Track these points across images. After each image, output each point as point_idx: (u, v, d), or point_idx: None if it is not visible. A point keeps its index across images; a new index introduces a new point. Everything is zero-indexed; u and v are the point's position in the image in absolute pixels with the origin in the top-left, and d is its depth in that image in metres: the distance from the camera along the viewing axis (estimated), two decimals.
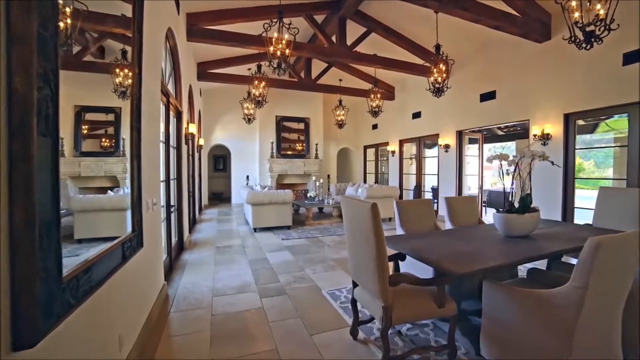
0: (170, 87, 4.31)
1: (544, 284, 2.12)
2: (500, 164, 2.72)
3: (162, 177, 3.51)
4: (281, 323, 2.48)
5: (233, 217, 7.86)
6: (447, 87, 5.38)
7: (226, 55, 7.35)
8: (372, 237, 1.73)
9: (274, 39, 4.12)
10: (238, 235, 5.77)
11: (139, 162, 1.95)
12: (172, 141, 4.48)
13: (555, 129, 5.21)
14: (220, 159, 12.91)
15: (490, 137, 10.26)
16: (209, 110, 9.90)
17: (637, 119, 4.37)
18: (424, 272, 2.43)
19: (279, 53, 4.20)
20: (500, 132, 10.10)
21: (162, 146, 3.52)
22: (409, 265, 2.52)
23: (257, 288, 3.22)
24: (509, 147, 13.39)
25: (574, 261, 2.88)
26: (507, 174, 2.72)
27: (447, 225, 3.53)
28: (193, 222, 6.65)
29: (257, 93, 6.49)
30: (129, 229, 1.88)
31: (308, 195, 7.85)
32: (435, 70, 5.33)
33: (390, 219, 7.50)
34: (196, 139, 7.27)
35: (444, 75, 5.33)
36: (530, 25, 5.03)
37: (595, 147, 6.66)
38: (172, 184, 4.35)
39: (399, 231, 3.14)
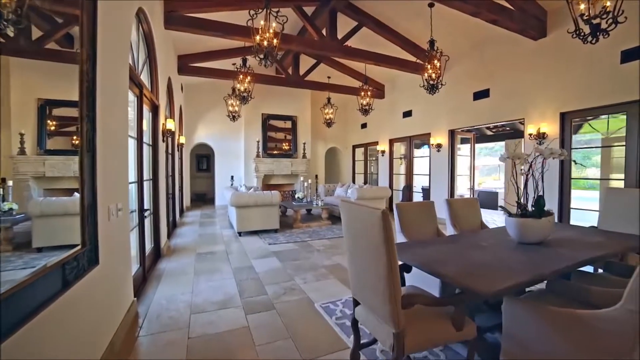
0: (145, 78, 3.89)
1: (571, 299, 1.88)
2: (513, 164, 2.48)
3: (133, 177, 3.10)
4: (270, 346, 2.15)
5: (217, 220, 7.43)
6: (441, 84, 5.17)
7: (209, 48, 6.93)
8: (381, 252, 1.42)
9: (260, 28, 3.78)
10: (221, 240, 5.37)
11: (92, 160, 1.58)
12: (148, 138, 4.06)
13: (551, 128, 5.09)
14: (204, 159, 12.40)
15: (479, 137, 10.21)
16: (191, 107, 9.40)
17: (637, 118, 4.27)
18: (429, 284, 2.16)
19: (265, 43, 3.86)
20: (489, 132, 10.07)
21: (132, 143, 3.12)
22: (412, 277, 2.24)
23: (242, 302, 2.87)
24: (493, 148, 13.48)
25: (589, 269, 2.69)
26: (521, 173, 2.48)
27: (449, 230, 3.28)
28: (173, 226, 6.20)
29: (242, 88, 6.11)
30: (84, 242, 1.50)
31: (296, 196, 7.52)
32: (429, 66, 5.12)
33: None
34: (176, 137, 6.81)
35: (439, 71, 5.13)
36: (527, 21, 4.89)
37: (592, 147, 6.60)
38: (147, 185, 3.93)
39: (400, 238, 2.86)
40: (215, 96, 9.32)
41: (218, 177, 9.89)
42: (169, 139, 5.65)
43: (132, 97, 3.17)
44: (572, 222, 5.00)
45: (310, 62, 8.33)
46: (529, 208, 2.38)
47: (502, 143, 10.38)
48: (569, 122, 4.96)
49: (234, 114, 8.11)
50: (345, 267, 3.91)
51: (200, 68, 7.14)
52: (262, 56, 3.91)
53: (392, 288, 1.43)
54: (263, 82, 7.77)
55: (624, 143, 4.45)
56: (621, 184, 4.50)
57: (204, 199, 11.85)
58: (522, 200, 2.44)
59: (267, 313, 2.65)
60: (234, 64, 6.09)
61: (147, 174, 3.89)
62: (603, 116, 5.14)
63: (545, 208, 2.39)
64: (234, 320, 2.52)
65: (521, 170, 2.57)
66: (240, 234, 5.70)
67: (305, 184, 8.11)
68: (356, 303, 1.91)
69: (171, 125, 4.69)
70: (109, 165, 1.95)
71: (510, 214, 2.39)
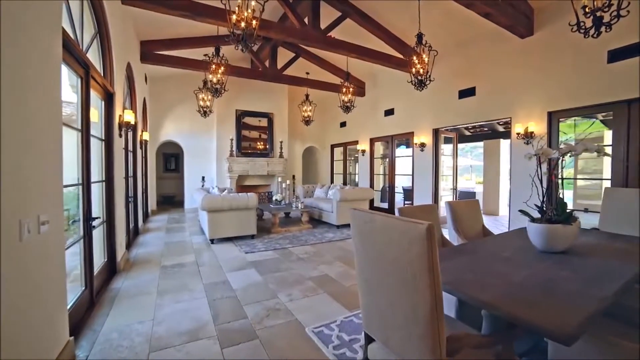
0: (95, 60, 3.24)
1: (631, 324, 1.56)
2: (539, 162, 2.18)
3: (74, 178, 2.49)
4: None
5: (186, 225, 6.73)
6: (429, 80, 4.91)
7: (178, 35, 6.24)
8: (422, 283, 1.01)
9: (237, 6, 3.26)
10: (191, 249, 4.76)
11: None
12: (99, 131, 3.40)
13: (538, 127, 4.99)
14: (172, 158, 11.49)
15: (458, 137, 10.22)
16: (158, 100, 8.58)
17: (625, 118, 4.23)
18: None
19: (243, 25, 3.35)
20: (467, 133, 10.11)
21: (75, 136, 2.50)
22: None
23: (217, 330, 2.35)
24: (464, 149, 13.73)
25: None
26: (545, 172, 2.19)
27: (452, 237, 2.97)
28: (134, 234, 5.46)
29: (214, 80, 5.50)
30: None
31: (273, 198, 7.00)
32: (417, 60, 4.84)
33: None
34: (139, 133, 6.06)
35: (426, 66, 4.86)
36: (517, 17, 4.74)
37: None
38: (98, 188, 3.28)
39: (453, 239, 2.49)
40: (185, 90, 8.57)
41: (188, 178, 9.11)
42: (129, 134, 4.94)
43: (74, 79, 2.55)
44: None
45: (289, 56, 7.85)
46: (546, 211, 2.08)
47: (477, 143, 10.46)
48: (556, 122, 4.88)
49: (205, 109, 7.42)
50: (335, 278, 3.49)
51: (168, 57, 6.41)
52: (239, 38, 3.39)
53: (435, 333, 1.02)
54: (238, 74, 7.18)
55: (610, 143, 4.41)
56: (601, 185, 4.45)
57: (172, 201, 10.95)
58: (543, 204, 2.15)
59: (248, 344, 2.16)
60: (205, 55, 5.47)
61: (97, 174, 3.23)
62: (569, 120, 5.13)
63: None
64: (206, 357, 2.01)
65: (547, 169, 2.29)
66: (212, 241, 5.10)
67: (284, 185, 7.62)
68: (369, 339, 1.49)
69: (130, 117, 4.03)
70: (27, 162, 1.39)
71: (532, 219, 2.09)
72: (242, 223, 5.30)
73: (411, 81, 5.00)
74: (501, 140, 8.80)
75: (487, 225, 3.12)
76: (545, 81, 4.92)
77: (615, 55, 4.26)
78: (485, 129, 9.26)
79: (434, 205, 2.96)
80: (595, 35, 3.20)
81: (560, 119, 4.88)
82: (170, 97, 8.75)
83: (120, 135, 3.94)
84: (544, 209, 2.10)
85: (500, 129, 8.91)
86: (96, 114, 3.36)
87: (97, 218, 2.78)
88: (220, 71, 5.46)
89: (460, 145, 8.22)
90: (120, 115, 3.91)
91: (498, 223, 7.36)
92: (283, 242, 5.24)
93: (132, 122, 4.20)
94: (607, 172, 4.67)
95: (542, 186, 2.12)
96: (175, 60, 6.39)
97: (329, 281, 3.42)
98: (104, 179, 3.41)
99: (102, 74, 3.28)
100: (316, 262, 4.13)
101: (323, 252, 4.70)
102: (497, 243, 2.32)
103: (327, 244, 5.23)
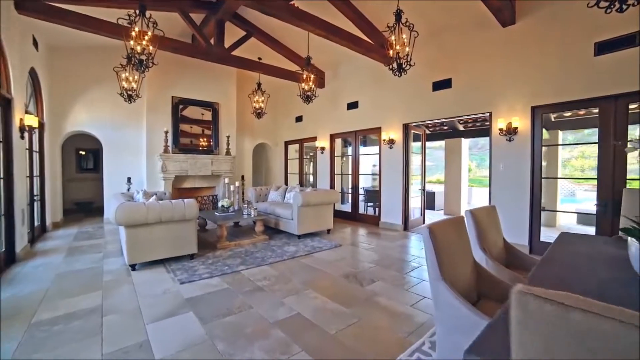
0: None
1: None
2: None
3: None
4: None
5: (102, 242, 5.12)
6: (409, 65, 4.18)
7: None
8: None
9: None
10: (98, 283, 3.34)
11: None
12: None
13: (522, 123, 4.59)
14: (90, 155, 9.35)
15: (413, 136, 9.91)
16: (66, 80, 6.63)
17: (611, 114, 3.95)
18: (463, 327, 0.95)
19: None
20: (427, 131, 9.84)
21: None
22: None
23: None
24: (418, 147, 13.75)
25: None
26: None
27: (477, 254, 2.18)
28: (7, 263, 3.79)
29: (138, 49, 4.09)
30: None
31: (219, 204, 5.73)
32: (395, 41, 4.09)
33: (328, 231, 6.04)
34: (14, 113, 4.34)
35: (406, 47, 4.14)
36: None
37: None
38: None
39: (440, 287, 1.60)
40: (104, 68, 6.78)
41: (109, 180, 7.26)
42: None
43: None
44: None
45: (239, 34, 6.61)
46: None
47: (433, 143, 10.31)
48: (540, 117, 4.52)
49: (130, 92, 5.85)
50: (311, 319, 2.49)
51: (66, 12, 4.61)
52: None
53: None
54: (173, 49, 5.75)
55: (596, 140, 4.12)
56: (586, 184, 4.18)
57: (89, 208, 8.86)
58: None
59: None
60: (126, 16, 4.00)
61: None
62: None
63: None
64: None
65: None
66: (134, 267, 3.72)
67: (232, 187, 6.35)
68: None
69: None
70: None
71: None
72: (178, 240, 4.00)
73: (390, 66, 4.26)
74: (462, 139, 8.63)
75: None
76: (528, 74, 4.53)
77: (602, 47, 3.96)
78: (445, 127, 9.04)
79: (492, 206, 2.20)
80: (619, 10, 2.69)
81: (544, 114, 4.53)
82: (84, 76, 6.85)
83: None
84: None
85: (461, 127, 8.74)
86: None
87: None
88: (147, 37, 4.08)
89: (416, 144, 7.90)
90: None
91: None
92: (233, 263, 4.06)
93: None
94: None
95: None
96: (78, 19, 4.69)
97: (304, 326, 2.41)
98: None
99: None
100: (281, 293, 3.09)
101: (287, 274, 3.66)
102: (553, 266, 1.54)
103: (290, 261, 4.20)
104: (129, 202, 3.64)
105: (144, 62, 4.05)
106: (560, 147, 6.98)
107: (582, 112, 5.89)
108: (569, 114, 6.00)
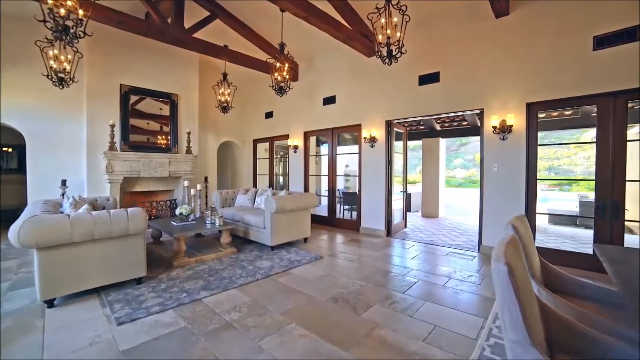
0: None
1: None
2: None
3: None
4: None
5: (14, 265, 4.01)
6: (400, 52, 3.66)
7: None
8: None
9: None
10: None
11: None
12: None
13: (517, 121, 4.26)
14: (15, 152, 7.81)
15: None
16: None
17: (610, 112, 3.72)
18: None
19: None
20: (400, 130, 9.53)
21: None
22: None
23: None
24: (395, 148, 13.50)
25: None
26: None
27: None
28: None
29: (62, 12, 3.13)
30: None
31: (177, 211, 4.82)
32: (385, 24, 3.55)
33: (305, 240, 5.36)
34: None
35: (398, 33, 3.61)
36: None
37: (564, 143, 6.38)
38: None
39: (530, 356, 1.00)
40: (23, 42, 5.52)
41: (35, 183, 5.97)
42: None
43: None
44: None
45: (202, 14, 5.71)
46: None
47: (419, 141, 10.02)
48: (535, 115, 4.22)
49: (61, 73, 4.73)
50: None
51: None
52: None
53: None
54: (121, 25, 4.74)
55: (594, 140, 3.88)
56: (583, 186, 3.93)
57: (14, 217, 7.32)
58: None
59: None
60: None
61: None
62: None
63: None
64: None
65: None
66: (51, 303, 2.77)
67: (193, 191, 5.44)
68: None
69: None
70: None
71: None
72: (119, 261, 3.09)
73: (378, 53, 3.72)
74: (440, 139, 8.40)
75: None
76: (523, 69, 4.21)
77: (601, 41, 3.72)
78: (422, 127, 8.77)
79: (513, 235, 1.58)
80: None
81: (540, 112, 4.24)
82: None
83: None
84: None
85: (438, 127, 8.51)
86: None
87: None
88: None
89: (398, 143, 7.50)
90: None
91: (446, 228, 6.73)
92: (193, 287, 3.25)
93: None
94: None
95: None
96: None
97: None
98: None
99: None
100: (257, 331, 2.36)
101: (262, 300, 2.93)
102: None
103: (265, 281, 3.47)
104: (43, 216, 2.67)
105: (70, 30, 3.09)
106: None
107: (568, 113, 5.79)
108: (555, 113, 5.89)
